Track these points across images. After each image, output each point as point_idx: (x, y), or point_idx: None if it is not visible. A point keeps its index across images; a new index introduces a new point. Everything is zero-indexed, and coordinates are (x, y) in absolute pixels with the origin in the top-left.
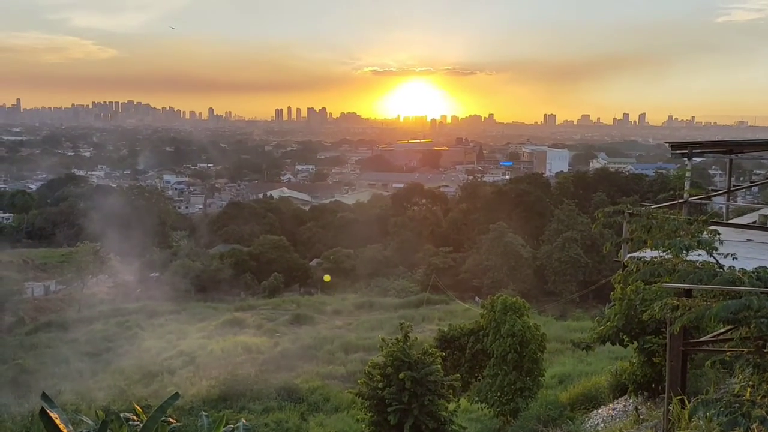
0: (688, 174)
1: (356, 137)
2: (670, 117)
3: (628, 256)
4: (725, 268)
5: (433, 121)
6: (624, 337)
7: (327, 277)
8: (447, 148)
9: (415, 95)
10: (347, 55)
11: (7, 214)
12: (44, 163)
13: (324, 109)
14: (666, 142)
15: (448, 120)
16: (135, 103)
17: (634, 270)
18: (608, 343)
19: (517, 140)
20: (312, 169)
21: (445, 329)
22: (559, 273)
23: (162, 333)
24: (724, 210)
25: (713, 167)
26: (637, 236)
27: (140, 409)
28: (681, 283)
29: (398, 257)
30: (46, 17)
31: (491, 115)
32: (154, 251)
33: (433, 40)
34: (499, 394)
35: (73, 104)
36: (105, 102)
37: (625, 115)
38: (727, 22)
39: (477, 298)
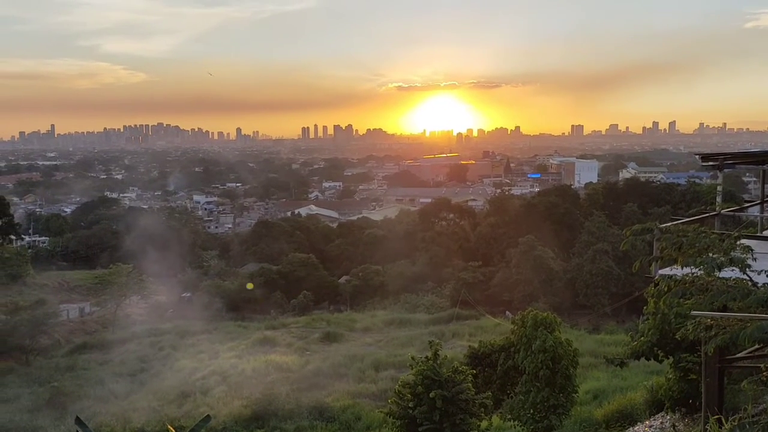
0: (719, 188)
1: (382, 153)
2: (701, 124)
3: (659, 273)
4: (759, 286)
5: (459, 135)
6: (659, 352)
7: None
8: (474, 162)
9: (440, 110)
10: (372, 72)
11: (43, 238)
12: (78, 187)
13: (350, 126)
14: (696, 154)
15: (474, 133)
16: (164, 125)
17: (665, 289)
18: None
19: (545, 152)
20: (339, 186)
21: (476, 346)
22: (591, 286)
23: (194, 353)
24: (758, 222)
25: (747, 174)
26: (667, 254)
27: (173, 430)
28: (713, 302)
29: (427, 273)
30: (78, 44)
31: (518, 128)
32: (186, 271)
33: (458, 54)
34: (532, 411)
35: (105, 128)
36: (136, 125)
37: (655, 124)
38: (755, 27)
39: (508, 313)
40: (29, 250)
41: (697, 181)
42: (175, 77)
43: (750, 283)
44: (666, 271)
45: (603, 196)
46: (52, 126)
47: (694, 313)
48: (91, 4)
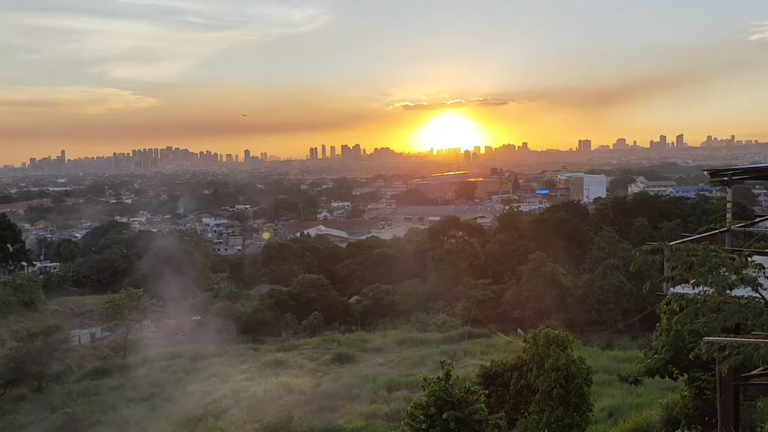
0: (729, 205)
1: (390, 172)
2: (709, 137)
3: (671, 291)
4: None
5: (467, 152)
6: (673, 369)
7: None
8: (482, 179)
9: (447, 128)
10: (378, 92)
11: (54, 263)
12: (88, 212)
13: (357, 145)
14: (704, 170)
15: (482, 151)
16: (173, 149)
17: (677, 309)
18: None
19: (553, 168)
20: (348, 205)
21: (488, 365)
22: (603, 301)
23: (205, 376)
24: None
25: (757, 186)
26: (678, 274)
27: None
28: (726, 323)
29: (437, 291)
30: (87, 71)
31: (525, 144)
32: (196, 294)
33: (464, 72)
34: (546, 431)
35: (114, 153)
36: (145, 149)
37: (662, 137)
38: (761, 39)
39: (519, 330)
40: (40, 276)
41: (707, 194)
42: (184, 101)
43: (763, 302)
44: (678, 288)
45: (612, 211)
46: (63, 152)
47: (706, 339)
48: (101, 32)
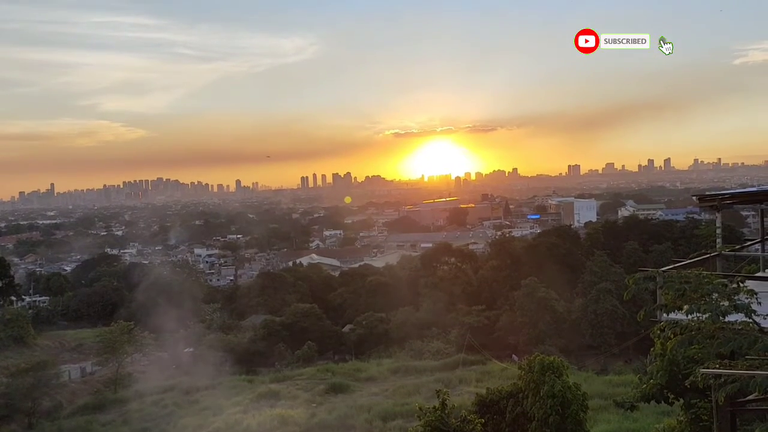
0: (719, 230)
1: (382, 199)
2: (696, 160)
3: (665, 319)
4: (766, 331)
5: (458, 178)
6: (669, 394)
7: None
8: (473, 205)
9: (437, 155)
10: (368, 120)
11: (43, 297)
12: (78, 245)
13: (348, 173)
14: (693, 195)
15: (473, 177)
16: (164, 180)
17: (671, 336)
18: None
19: (543, 193)
20: (340, 233)
21: (484, 393)
22: (596, 326)
23: (198, 410)
24: (760, 260)
25: (745, 208)
26: (670, 301)
27: None
28: (720, 350)
29: (431, 318)
30: (77, 104)
31: (515, 170)
32: (188, 326)
33: (453, 99)
34: None
35: (104, 185)
36: (135, 181)
37: (650, 161)
38: (744, 63)
39: (514, 357)
40: (30, 311)
41: (696, 217)
42: (174, 132)
43: (757, 328)
44: (672, 315)
45: (603, 235)
46: (52, 185)
47: (702, 371)
48: (91, 65)
